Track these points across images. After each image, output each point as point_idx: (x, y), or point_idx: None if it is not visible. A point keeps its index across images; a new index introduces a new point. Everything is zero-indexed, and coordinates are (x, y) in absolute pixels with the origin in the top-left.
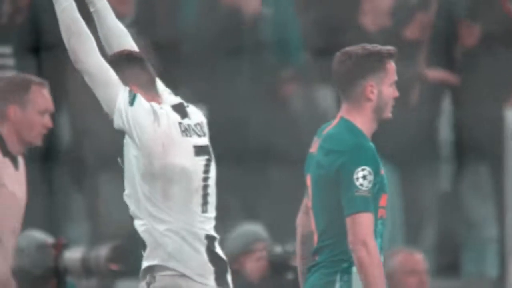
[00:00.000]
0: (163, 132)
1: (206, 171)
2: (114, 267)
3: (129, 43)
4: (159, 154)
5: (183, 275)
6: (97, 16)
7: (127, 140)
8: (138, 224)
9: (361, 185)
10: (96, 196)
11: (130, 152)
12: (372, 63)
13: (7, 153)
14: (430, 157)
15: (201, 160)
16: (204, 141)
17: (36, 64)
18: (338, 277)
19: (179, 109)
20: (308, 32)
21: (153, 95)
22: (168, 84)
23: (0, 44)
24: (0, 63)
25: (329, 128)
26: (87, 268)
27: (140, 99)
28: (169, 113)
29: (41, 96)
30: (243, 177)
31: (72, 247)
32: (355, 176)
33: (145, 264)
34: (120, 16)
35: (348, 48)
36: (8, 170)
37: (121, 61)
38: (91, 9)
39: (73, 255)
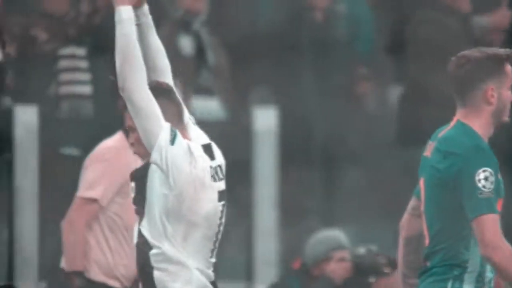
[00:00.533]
0: (197, 176)
1: (221, 217)
2: None
3: (164, 64)
4: (190, 196)
5: None
6: (139, 30)
7: (156, 174)
8: (152, 260)
9: (484, 186)
10: None
11: (159, 188)
12: (491, 66)
13: None
14: None
15: (220, 206)
16: (224, 185)
17: (110, 66)
18: (449, 284)
19: (208, 150)
20: (381, 29)
21: (181, 128)
22: (239, 84)
23: (76, 45)
24: (72, 65)
25: (444, 131)
26: None
27: (179, 138)
28: (203, 156)
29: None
30: (316, 179)
31: None
32: (476, 178)
33: None
34: (192, 14)
35: (465, 52)
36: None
37: (153, 93)
38: (135, 22)
39: None
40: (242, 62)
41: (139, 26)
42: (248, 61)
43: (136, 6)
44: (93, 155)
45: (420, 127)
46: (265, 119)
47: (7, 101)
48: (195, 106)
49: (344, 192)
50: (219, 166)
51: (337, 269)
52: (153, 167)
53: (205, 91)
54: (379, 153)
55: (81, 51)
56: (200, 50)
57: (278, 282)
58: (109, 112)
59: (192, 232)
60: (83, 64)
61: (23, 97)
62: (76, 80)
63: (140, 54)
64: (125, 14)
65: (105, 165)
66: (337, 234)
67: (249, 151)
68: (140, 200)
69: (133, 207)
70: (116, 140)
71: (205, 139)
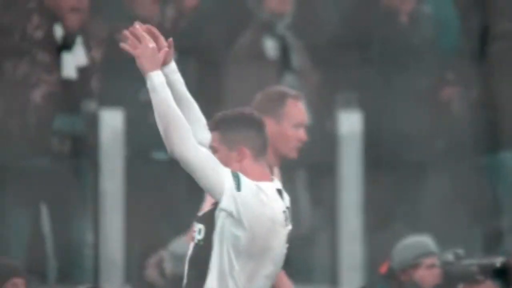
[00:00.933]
0: (269, 216)
1: (284, 258)
2: None
3: (197, 116)
4: (262, 237)
5: None
6: (170, 85)
7: (227, 218)
8: None
9: None
10: None
11: (230, 229)
12: None
13: None
14: None
15: (285, 248)
16: (290, 226)
17: (196, 70)
18: None
19: (281, 194)
20: (467, 32)
21: (262, 164)
22: (324, 88)
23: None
24: None
25: None
26: None
27: (244, 181)
28: (277, 198)
29: (297, 109)
30: (403, 183)
31: None
32: None
33: None
34: (277, 16)
35: None
36: None
37: (238, 122)
38: (166, 79)
39: None
40: (327, 65)
41: (169, 82)
42: (333, 65)
43: (164, 65)
44: None
45: (505, 132)
46: (350, 123)
47: (92, 105)
48: None
49: (431, 197)
50: (288, 209)
51: (427, 275)
52: (226, 217)
53: None
54: (466, 157)
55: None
56: (284, 53)
57: (365, 287)
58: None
59: (258, 272)
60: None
61: (109, 101)
62: None
63: (180, 114)
64: (156, 80)
65: None
66: (425, 240)
67: (334, 155)
68: (206, 241)
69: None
70: None
71: (278, 183)
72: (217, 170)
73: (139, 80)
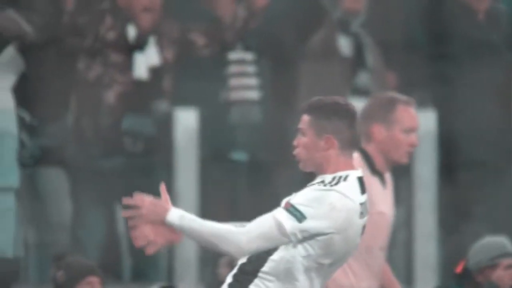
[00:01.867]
0: (348, 217)
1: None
2: None
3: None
4: (342, 233)
5: None
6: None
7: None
8: None
9: None
10: None
11: (294, 253)
12: None
13: (375, 172)
14: None
15: (359, 239)
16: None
17: (270, 68)
18: None
19: (362, 184)
20: None
21: (347, 156)
22: (397, 86)
23: (244, 50)
24: (240, 70)
25: None
26: None
27: (304, 208)
28: (356, 191)
29: (407, 115)
30: (478, 185)
31: None
32: None
33: None
34: (352, 14)
35: None
36: (376, 188)
37: (332, 110)
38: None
39: None
40: (401, 64)
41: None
42: (407, 63)
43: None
44: None
45: None
46: (424, 122)
47: (164, 105)
48: None
49: (508, 197)
50: (366, 201)
51: (504, 276)
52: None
53: (362, 93)
54: None
55: (249, 56)
56: (358, 51)
57: (440, 286)
58: (277, 117)
59: (331, 266)
60: (251, 69)
61: (183, 101)
62: (245, 86)
63: (213, 226)
64: (176, 219)
65: None
66: (503, 240)
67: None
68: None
69: (372, 229)
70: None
71: (361, 172)
72: (272, 236)
73: (214, 79)
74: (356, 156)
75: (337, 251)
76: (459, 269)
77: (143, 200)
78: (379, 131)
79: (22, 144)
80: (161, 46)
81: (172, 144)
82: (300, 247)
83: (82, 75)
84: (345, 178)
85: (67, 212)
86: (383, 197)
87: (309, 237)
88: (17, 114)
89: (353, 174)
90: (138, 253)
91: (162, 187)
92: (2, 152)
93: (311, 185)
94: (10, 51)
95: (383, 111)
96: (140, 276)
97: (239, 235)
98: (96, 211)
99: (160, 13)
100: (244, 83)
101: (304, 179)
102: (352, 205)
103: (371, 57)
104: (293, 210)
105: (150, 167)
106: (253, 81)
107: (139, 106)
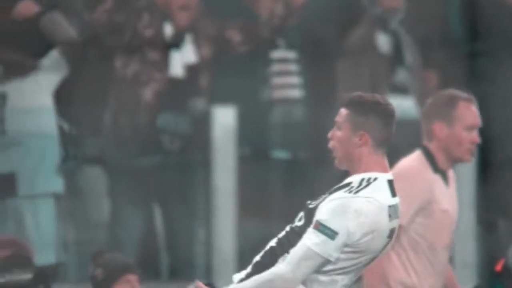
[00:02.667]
0: (374, 222)
1: (382, 250)
2: None
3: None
4: (365, 238)
5: None
6: None
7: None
8: None
9: None
10: None
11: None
12: None
13: (437, 170)
14: None
15: (387, 242)
16: (397, 224)
17: (308, 65)
18: None
19: (391, 186)
20: None
21: (379, 155)
22: (440, 84)
23: (287, 49)
24: (284, 69)
25: None
26: None
27: (333, 223)
28: (385, 193)
29: (469, 112)
30: None
31: None
32: None
33: None
34: (390, 12)
35: None
36: (439, 186)
37: (370, 107)
38: None
39: None
40: (437, 61)
41: None
42: (445, 61)
43: None
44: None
45: None
46: None
47: (200, 103)
48: None
49: None
50: (397, 204)
51: None
52: None
53: (400, 90)
54: None
55: (292, 55)
56: (397, 49)
57: (480, 284)
58: (317, 116)
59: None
60: (293, 67)
61: (220, 98)
62: (287, 84)
63: (255, 277)
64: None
65: (404, 184)
66: None
67: None
68: (301, 232)
69: (436, 227)
70: (414, 159)
71: (391, 175)
72: (310, 263)
73: (252, 77)
74: (418, 154)
75: (362, 252)
76: (498, 267)
77: None
78: (440, 129)
79: (63, 152)
80: (197, 44)
81: (210, 142)
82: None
83: (119, 72)
84: (374, 180)
85: (105, 210)
86: (446, 195)
87: (344, 248)
88: (57, 122)
89: (383, 177)
90: (175, 251)
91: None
92: (42, 155)
93: (337, 188)
94: (54, 54)
95: (444, 108)
96: (177, 274)
97: (281, 271)
98: (134, 210)
99: (197, 10)
100: (287, 81)
101: (343, 179)
102: (379, 207)
103: (410, 54)
104: (323, 229)
105: (188, 165)
106: (295, 79)
107: (175, 104)
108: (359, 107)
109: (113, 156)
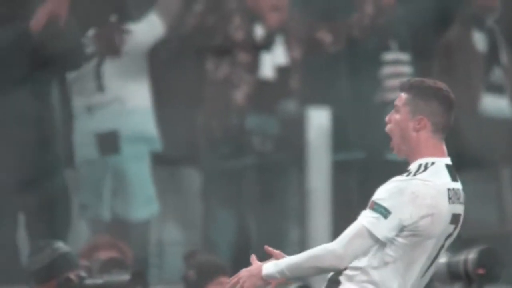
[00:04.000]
0: (432, 205)
1: (447, 238)
2: (481, 271)
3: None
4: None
5: None
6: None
7: None
8: None
9: None
10: None
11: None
12: None
13: None
14: None
15: (451, 228)
16: (461, 210)
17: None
18: None
19: (451, 171)
20: None
21: (438, 140)
22: None
23: (399, 51)
24: (397, 70)
25: None
26: (453, 273)
27: (388, 196)
28: (443, 178)
29: None
30: None
31: None
32: None
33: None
34: (486, 11)
35: None
36: None
37: (431, 92)
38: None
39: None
40: None
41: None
42: None
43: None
44: None
45: None
46: None
47: (291, 104)
48: (485, 103)
49: None
50: (459, 189)
51: None
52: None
53: (496, 89)
54: None
55: (404, 56)
56: (493, 48)
57: None
58: (458, 118)
59: (415, 262)
60: (406, 69)
61: (313, 100)
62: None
63: (307, 251)
64: (270, 267)
65: None
66: None
67: None
68: None
69: None
70: None
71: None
72: (362, 241)
73: (344, 78)
74: None
75: (421, 236)
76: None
77: (237, 276)
78: None
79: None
80: (288, 45)
81: (304, 144)
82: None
83: (211, 75)
84: (432, 164)
85: (198, 211)
86: None
87: (399, 231)
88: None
89: (441, 161)
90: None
91: (253, 258)
92: (140, 172)
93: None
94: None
95: None
96: None
97: (333, 246)
98: (227, 210)
99: (287, 11)
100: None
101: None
102: (437, 189)
103: (505, 54)
104: (377, 208)
105: (281, 166)
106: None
107: (265, 106)
108: (420, 91)
109: (205, 157)
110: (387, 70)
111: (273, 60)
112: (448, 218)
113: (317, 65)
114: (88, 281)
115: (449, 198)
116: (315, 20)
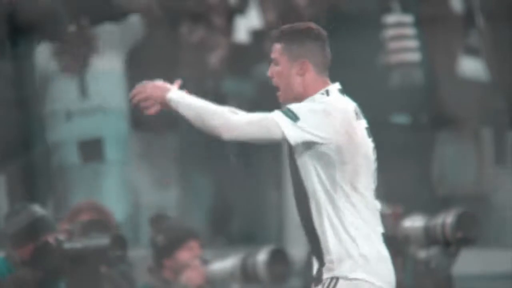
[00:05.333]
0: (344, 121)
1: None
2: (460, 235)
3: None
4: (345, 142)
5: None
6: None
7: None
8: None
9: None
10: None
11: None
12: None
13: None
14: None
15: (370, 142)
16: (366, 123)
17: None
18: None
19: (343, 94)
20: None
21: (324, 77)
22: None
23: (401, 13)
24: (399, 32)
25: None
26: (431, 237)
27: (299, 108)
28: (341, 99)
29: None
30: None
31: (411, 215)
32: None
33: (327, 275)
34: None
35: None
36: None
37: (303, 35)
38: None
39: (414, 223)
40: None
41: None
42: None
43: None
44: None
45: None
46: None
47: (269, 67)
48: (462, 65)
49: None
50: (356, 107)
51: None
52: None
53: (473, 52)
54: None
55: (407, 18)
56: (469, 11)
57: None
58: (437, 80)
59: (356, 179)
60: (410, 31)
61: None
62: (404, 48)
63: (205, 104)
64: (175, 96)
65: None
66: None
67: None
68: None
69: None
70: None
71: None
72: (266, 125)
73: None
74: None
75: (349, 153)
76: None
77: (144, 86)
78: None
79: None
80: (263, 9)
81: (279, 106)
82: (315, 178)
83: (185, 39)
84: (328, 93)
85: (175, 175)
86: None
87: (308, 143)
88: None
89: (333, 87)
90: (247, 215)
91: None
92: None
93: None
94: (132, 18)
95: None
96: (249, 238)
97: (232, 117)
98: (204, 175)
99: None
100: (404, 45)
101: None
102: (345, 109)
103: (481, 17)
104: (287, 112)
105: None
106: (413, 43)
107: (239, 69)
108: (292, 36)
109: (181, 121)
110: (390, 32)
111: (248, 24)
112: (364, 132)
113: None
114: (67, 245)
115: (356, 114)
116: None
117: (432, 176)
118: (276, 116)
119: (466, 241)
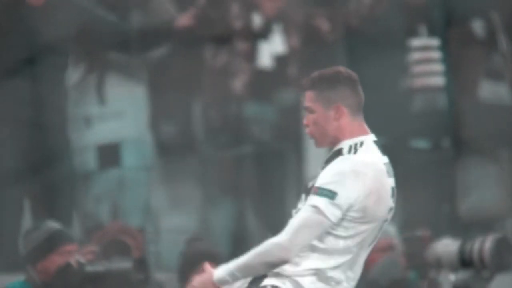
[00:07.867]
0: (377, 180)
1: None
2: (498, 260)
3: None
4: (371, 204)
5: None
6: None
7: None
8: None
9: None
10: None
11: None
12: None
13: None
14: None
15: (392, 203)
16: (394, 183)
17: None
18: None
19: (379, 147)
20: None
21: (359, 120)
22: None
23: (427, 36)
24: (424, 56)
25: None
26: (466, 261)
27: (330, 180)
28: (376, 151)
29: None
30: None
31: (440, 239)
32: None
33: None
34: None
35: None
36: None
37: (334, 80)
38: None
39: (448, 247)
40: None
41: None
42: None
43: None
44: None
45: None
46: None
47: (291, 92)
48: (484, 89)
49: None
50: (389, 163)
51: None
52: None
53: (495, 75)
54: None
55: (433, 42)
56: (492, 34)
57: None
58: (462, 105)
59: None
60: (436, 55)
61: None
62: (429, 72)
63: (252, 250)
64: (220, 271)
65: None
66: None
67: None
68: None
69: None
70: None
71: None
72: (312, 222)
73: (343, 66)
74: None
75: (371, 213)
76: None
77: (190, 285)
78: None
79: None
80: (286, 34)
81: (302, 132)
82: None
83: (208, 63)
84: (361, 144)
85: (197, 200)
86: None
87: (346, 210)
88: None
89: (368, 139)
90: (266, 239)
91: (206, 265)
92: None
93: (329, 158)
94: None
95: None
96: None
97: (278, 239)
98: (225, 199)
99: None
100: (429, 69)
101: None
102: (376, 165)
103: (504, 40)
104: (321, 192)
105: (279, 155)
106: (438, 67)
107: (263, 94)
108: (323, 83)
109: (203, 146)
110: (415, 55)
111: (271, 49)
112: (390, 191)
113: (315, 53)
114: (89, 268)
115: (387, 172)
116: (312, 7)
117: (455, 200)
118: (315, 203)
119: (502, 266)
